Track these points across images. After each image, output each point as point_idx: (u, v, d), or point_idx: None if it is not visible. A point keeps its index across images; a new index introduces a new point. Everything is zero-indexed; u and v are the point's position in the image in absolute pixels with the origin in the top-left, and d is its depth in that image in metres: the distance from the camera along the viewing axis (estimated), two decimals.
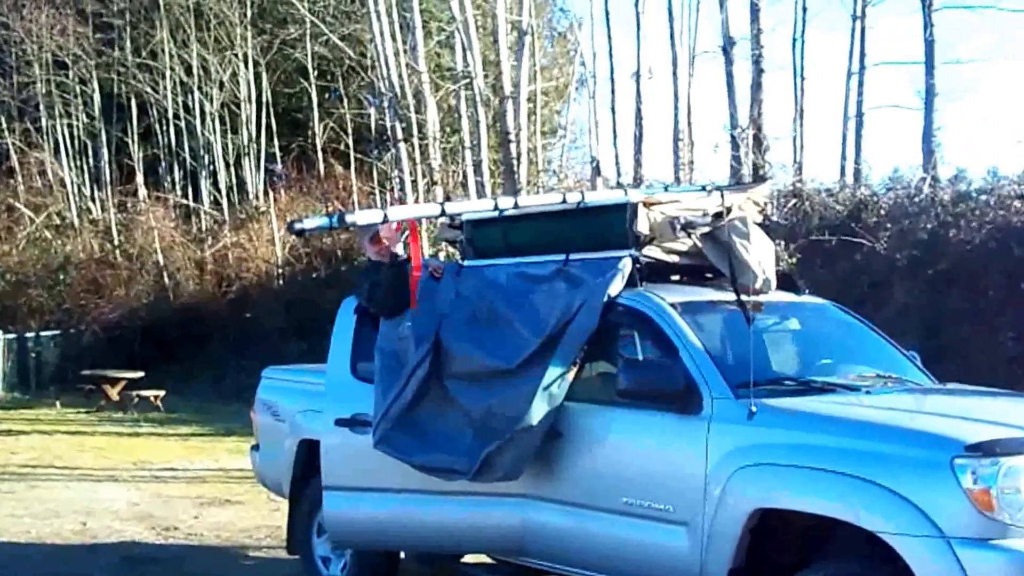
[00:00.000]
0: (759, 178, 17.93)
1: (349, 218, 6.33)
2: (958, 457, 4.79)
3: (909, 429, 5.21)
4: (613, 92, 23.90)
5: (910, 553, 4.79)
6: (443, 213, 7.11)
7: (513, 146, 21.17)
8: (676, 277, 6.88)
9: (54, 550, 9.60)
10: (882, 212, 16.10)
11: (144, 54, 32.33)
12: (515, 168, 21.01)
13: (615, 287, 6.33)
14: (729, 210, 6.60)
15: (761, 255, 6.55)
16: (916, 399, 6.19)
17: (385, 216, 6.42)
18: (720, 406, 5.64)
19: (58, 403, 23.71)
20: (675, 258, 6.73)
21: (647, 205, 6.57)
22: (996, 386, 7.26)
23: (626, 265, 6.41)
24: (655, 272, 6.59)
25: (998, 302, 13.91)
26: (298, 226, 6.22)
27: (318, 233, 5.96)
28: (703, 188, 7.39)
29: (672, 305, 6.21)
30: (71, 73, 33.57)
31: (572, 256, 6.72)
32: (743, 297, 6.07)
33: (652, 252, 6.61)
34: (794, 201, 16.95)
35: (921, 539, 4.77)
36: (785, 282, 6.96)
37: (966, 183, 16.17)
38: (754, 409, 5.44)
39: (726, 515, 5.41)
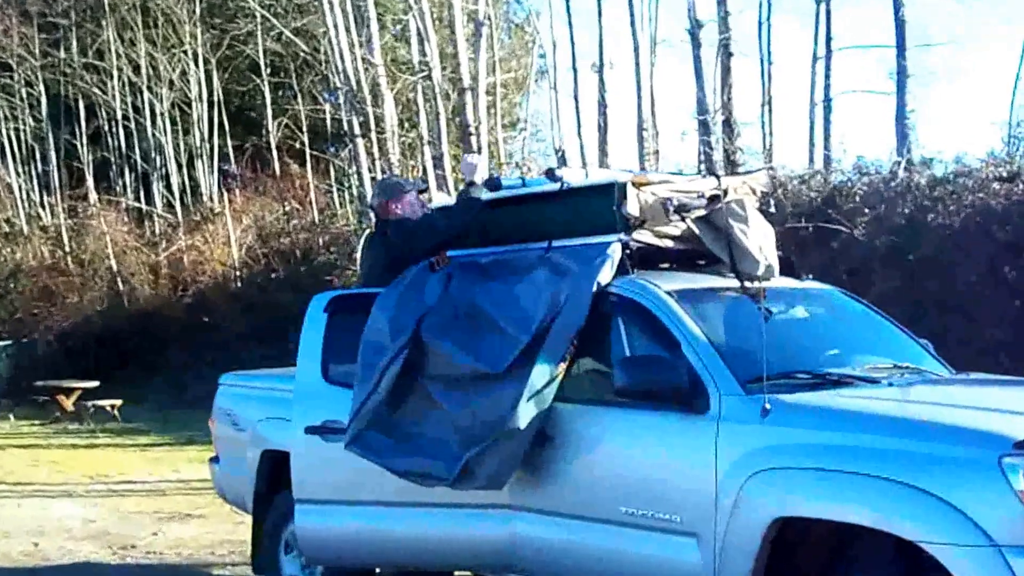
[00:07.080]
0: (731, 163, 17.56)
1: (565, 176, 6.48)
2: (1007, 455, 4.29)
3: (947, 425, 4.69)
4: (576, 82, 23.61)
5: (955, 564, 4.29)
6: None
7: (474, 139, 20.74)
8: (665, 264, 6.36)
9: (1, 574, 9.03)
10: (857, 198, 15.63)
11: (91, 54, 31.54)
12: None
13: (605, 275, 5.84)
14: (726, 192, 6.14)
15: (761, 240, 6.09)
16: (942, 391, 5.67)
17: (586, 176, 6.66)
18: (729, 404, 5.12)
19: (11, 416, 22.95)
20: (667, 243, 6.23)
21: (637, 185, 6.08)
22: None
23: (615, 251, 5.93)
24: (645, 258, 6.09)
25: (980, 287, 13.50)
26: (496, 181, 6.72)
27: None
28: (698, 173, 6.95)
29: (669, 293, 5.70)
30: (16, 75, 32.73)
31: (555, 242, 6.24)
32: (751, 285, 5.60)
33: (642, 236, 6.11)
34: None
35: (968, 548, 4.28)
36: (785, 267, 6.47)
37: (943, 166, 15.80)
38: (768, 406, 4.92)
39: (741, 525, 4.89)
